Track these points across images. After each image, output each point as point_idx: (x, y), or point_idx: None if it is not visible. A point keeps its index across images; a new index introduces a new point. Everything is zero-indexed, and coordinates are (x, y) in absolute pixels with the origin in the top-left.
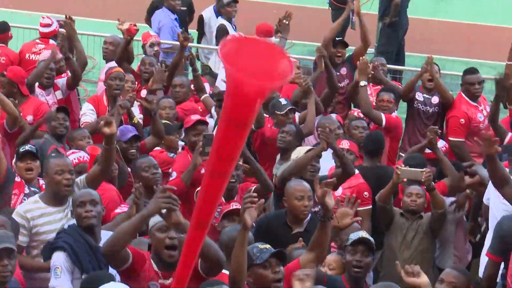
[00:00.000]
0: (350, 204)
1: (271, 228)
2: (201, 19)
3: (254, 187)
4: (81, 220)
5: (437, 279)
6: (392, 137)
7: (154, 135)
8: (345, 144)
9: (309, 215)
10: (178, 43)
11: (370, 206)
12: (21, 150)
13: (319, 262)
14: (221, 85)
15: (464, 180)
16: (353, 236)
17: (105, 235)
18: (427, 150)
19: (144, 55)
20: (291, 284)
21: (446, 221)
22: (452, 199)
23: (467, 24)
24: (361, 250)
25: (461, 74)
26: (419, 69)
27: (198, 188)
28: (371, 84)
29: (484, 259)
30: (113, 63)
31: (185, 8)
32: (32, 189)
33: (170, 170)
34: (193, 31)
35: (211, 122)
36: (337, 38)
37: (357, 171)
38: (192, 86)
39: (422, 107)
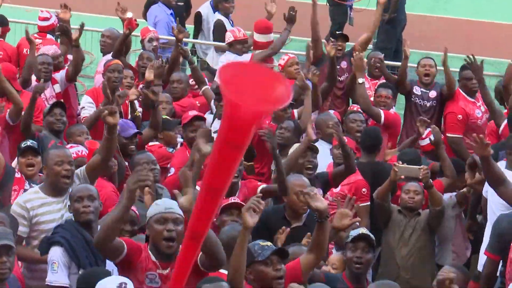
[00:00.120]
0: (350, 206)
1: (270, 222)
2: (198, 15)
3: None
4: (78, 215)
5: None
6: (391, 133)
7: (151, 127)
8: None
9: (308, 210)
10: (173, 38)
11: (369, 203)
12: (22, 145)
13: (319, 261)
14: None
15: (464, 179)
16: (354, 232)
17: None
18: (424, 142)
19: (142, 50)
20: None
21: (445, 217)
22: (451, 194)
23: (466, 20)
24: (361, 246)
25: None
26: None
27: None
28: (369, 78)
29: (483, 255)
30: (110, 56)
31: (182, 4)
32: (33, 185)
33: (168, 165)
34: (189, 27)
35: (210, 117)
36: (337, 32)
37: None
38: (191, 80)
39: (420, 101)
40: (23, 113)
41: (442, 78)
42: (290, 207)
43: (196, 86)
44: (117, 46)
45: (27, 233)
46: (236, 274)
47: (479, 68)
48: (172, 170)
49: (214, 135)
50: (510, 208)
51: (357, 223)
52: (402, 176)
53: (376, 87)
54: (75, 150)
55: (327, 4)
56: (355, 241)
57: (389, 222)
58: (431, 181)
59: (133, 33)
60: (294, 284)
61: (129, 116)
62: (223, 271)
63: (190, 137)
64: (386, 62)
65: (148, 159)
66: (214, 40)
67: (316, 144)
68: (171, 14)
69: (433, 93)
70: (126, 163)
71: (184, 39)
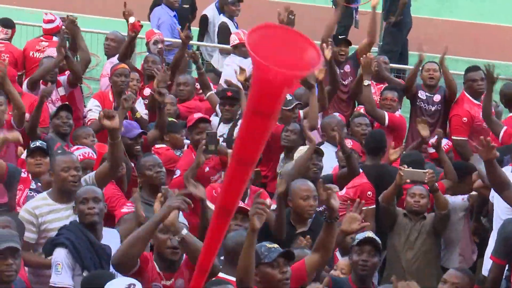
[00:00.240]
0: (358, 210)
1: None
2: (205, 18)
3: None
4: (83, 216)
5: None
6: (396, 136)
7: (157, 128)
8: (348, 143)
9: (314, 214)
10: (177, 40)
11: (374, 206)
12: (31, 146)
13: (324, 263)
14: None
15: (470, 181)
16: (360, 236)
17: (107, 233)
18: (432, 150)
19: (147, 53)
20: (295, 285)
21: (454, 220)
22: (463, 196)
23: (471, 23)
24: (367, 250)
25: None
26: (423, 69)
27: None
28: (374, 83)
29: (488, 258)
30: (115, 59)
31: (187, 6)
32: (39, 184)
33: (175, 168)
34: (194, 29)
35: (216, 120)
36: (340, 37)
37: (360, 170)
38: (197, 84)
39: (424, 105)
40: (27, 115)
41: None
42: (296, 212)
43: (201, 91)
44: (123, 49)
45: (35, 240)
46: (244, 276)
47: (493, 81)
48: (178, 172)
49: (220, 139)
50: None
51: (365, 228)
52: (408, 180)
53: (381, 90)
54: (81, 152)
55: (333, 6)
56: (361, 245)
57: (395, 225)
58: (437, 184)
59: (138, 36)
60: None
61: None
62: (231, 278)
63: (196, 139)
64: (391, 64)
65: (154, 161)
66: (218, 43)
67: (321, 147)
68: (174, 16)
69: (437, 97)
70: (133, 164)
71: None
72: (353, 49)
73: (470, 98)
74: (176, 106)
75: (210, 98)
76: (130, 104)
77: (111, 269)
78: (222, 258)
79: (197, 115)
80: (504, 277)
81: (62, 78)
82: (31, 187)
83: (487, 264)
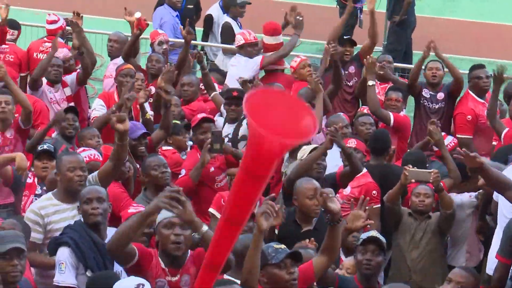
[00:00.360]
0: (363, 207)
1: (280, 226)
2: (210, 18)
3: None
4: (87, 216)
5: None
6: (401, 136)
7: (162, 128)
8: (352, 143)
9: (319, 213)
10: (180, 40)
11: (379, 205)
12: (39, 149)
13: (331, 264)
14: (232, 83)
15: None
16: (364, 235)
17: (111, 233)
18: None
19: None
20: (303, 285)
21: (461, 218)
22: (470, 194)
23: (474, 22)
24: (371, 249)
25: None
26: (426, 67)
27: None
28: (379, 83)
29: (492, 256)
30: (118, 60)
31: (191, 7)
32: (45, 188)
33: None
34: (199, 29)
35: (220, 120)
36: (344, 37)
37: (365, 170)
38: (201, 84)
39: (428, 104)
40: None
41: (449, 80)
42: (302, 211)
43: (205, 91)
44: (127, 48)
45: (41, 240)
46: (250, 277)
47: (501, 82)
48: (183, 172)
49: (225, 139)
50: None
51: (369, 225)
52: (413, 180)
53: (386, 90)
54: (87, 153)
55: (337, 6)
56: (365, 244)
57: (400, 225)
58: (442, 184)
59: (141, 36)
60: None
61: (140, 120)
62: (227, 276)
63: (200, 139)
64: (395, 64)
65: (159, 162)
66: (221, 42)
67: None
68: (177, 16)
69: (441, 95)
70: (138, 165)
71: (193, 42)
72: (358, 49)
73: (475, 96)
74: (181, 107)
75: (214, 99)
76: (132, 102)
77: (115, 269)
78: None
79: (201, 115)
80: (509, 276)
81: (69, 78)
82: (36, 192)
83: (491, 263)
